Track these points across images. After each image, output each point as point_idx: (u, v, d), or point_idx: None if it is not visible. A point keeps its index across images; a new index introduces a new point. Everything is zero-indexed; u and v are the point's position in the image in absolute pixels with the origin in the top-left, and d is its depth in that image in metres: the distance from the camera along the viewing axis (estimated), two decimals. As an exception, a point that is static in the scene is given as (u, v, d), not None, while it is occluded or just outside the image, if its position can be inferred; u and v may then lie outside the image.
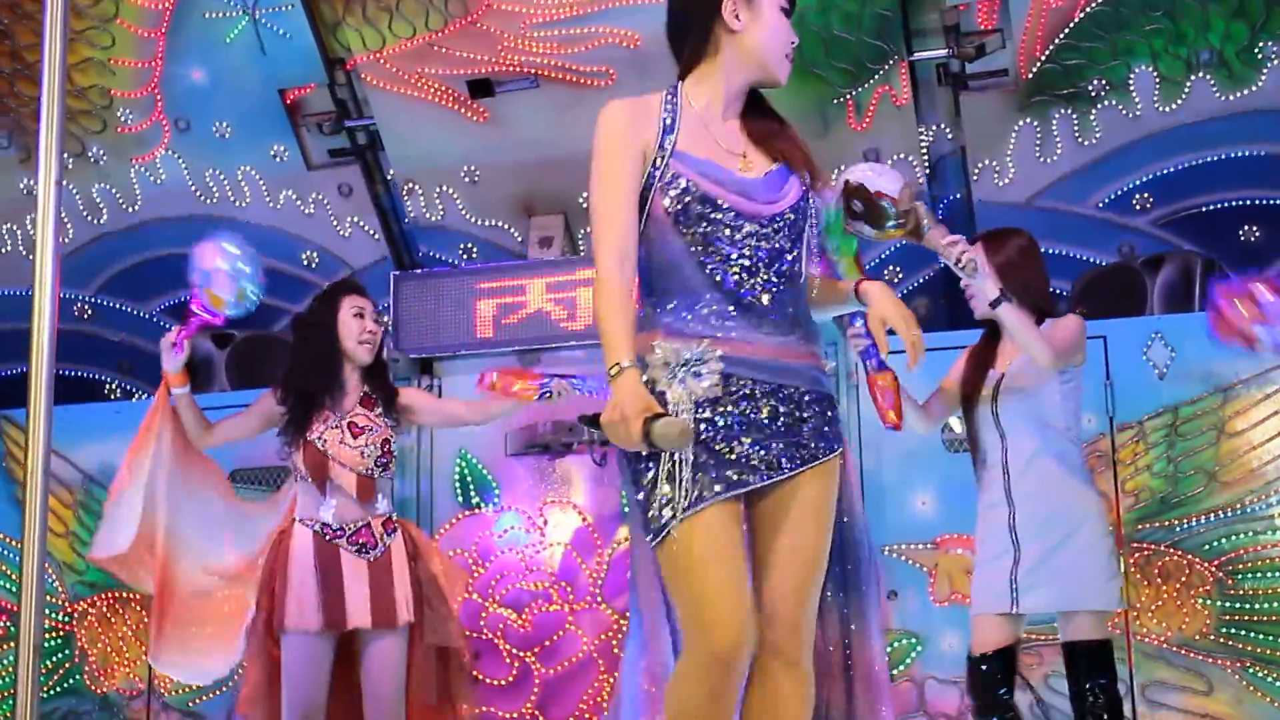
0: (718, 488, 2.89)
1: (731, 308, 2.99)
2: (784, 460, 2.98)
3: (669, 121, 3.06)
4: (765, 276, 3.02)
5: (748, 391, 2.97)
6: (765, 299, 3.01)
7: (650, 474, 2.93)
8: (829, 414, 3.07)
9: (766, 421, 2.97)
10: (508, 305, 6.94)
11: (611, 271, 2.95)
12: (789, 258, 3.06)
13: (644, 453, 2.89)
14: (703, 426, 2.91)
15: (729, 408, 2.94)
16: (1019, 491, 4.38)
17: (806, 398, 3.03)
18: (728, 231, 3.00)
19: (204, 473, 5.06)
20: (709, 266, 2.99)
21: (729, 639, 2.84)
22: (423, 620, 4.88)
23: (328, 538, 4.83)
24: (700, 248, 3.00)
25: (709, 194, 3.00)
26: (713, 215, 3.00)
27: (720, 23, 3.10)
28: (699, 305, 2.99)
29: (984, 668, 4.41)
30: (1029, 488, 4.38)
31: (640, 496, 2.96)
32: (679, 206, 3.00)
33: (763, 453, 2.95)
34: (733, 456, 2.93)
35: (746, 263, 3.00)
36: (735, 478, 2.92)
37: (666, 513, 2.89)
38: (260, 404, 5.03)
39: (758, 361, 2.98)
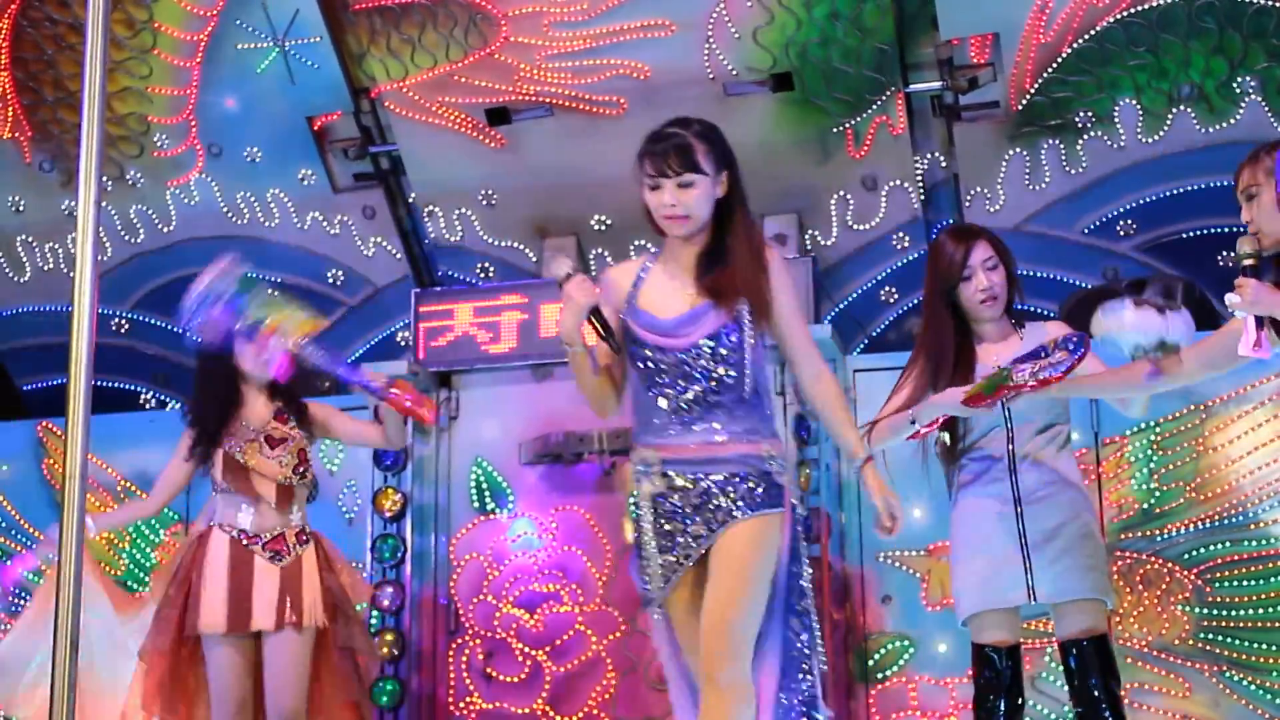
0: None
1: (671, 422, 3.57)
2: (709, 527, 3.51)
3: (636, 282, 3.65)
4: (694, 395, 3.54)
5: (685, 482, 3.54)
6: (696, 410, 3.55)
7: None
8: (758, 487, 3.53)
9: (698, 501, 3.53)
10: (525, 322, 6.90)
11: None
12: (719, 375, 3.54)
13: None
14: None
15: (673, 498, 3.55)
16: (1025, 483, 4.15)
17: (736, 477, 3.52)
18: (655, 365, 3.58)
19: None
20: (652, 392, 3.59)
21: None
22: (336, 628, 4.92)
23: (244, 543, 4.87)
24: (645, 379, 3.60)
25: (641, 338, 3.59)
26: (646, 354, 3.59)
27: None
28: (653, 420, 3.59)
29: (999, 661, 4.15)
30: (1032, 480, 4.16)
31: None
32: (630, 349, 3.62)
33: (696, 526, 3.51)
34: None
35: (676, 387, 3.56)
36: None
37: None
38: (182, 444, 5.06)
39: (688, 458, 3.54)
